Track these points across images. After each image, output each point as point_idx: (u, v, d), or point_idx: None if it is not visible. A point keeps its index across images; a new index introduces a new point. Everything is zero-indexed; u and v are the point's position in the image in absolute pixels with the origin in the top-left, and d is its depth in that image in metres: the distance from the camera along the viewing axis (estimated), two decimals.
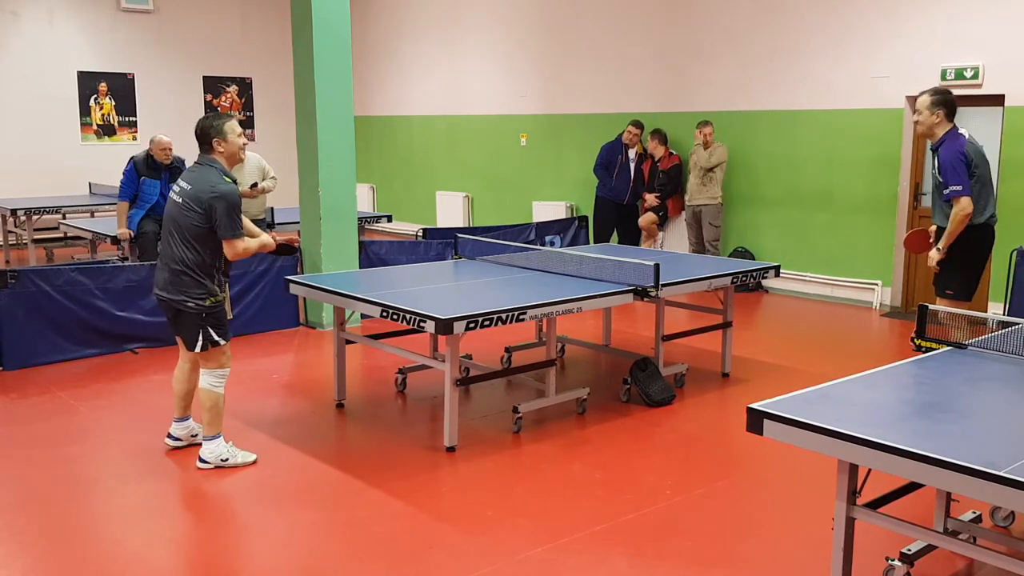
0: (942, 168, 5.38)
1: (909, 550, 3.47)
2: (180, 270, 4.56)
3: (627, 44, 10.89)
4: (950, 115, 5.45)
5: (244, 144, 4.76)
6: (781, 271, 6.69)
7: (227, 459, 4.71)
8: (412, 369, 6.14)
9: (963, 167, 5.28)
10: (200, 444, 4.93)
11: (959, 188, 5.26)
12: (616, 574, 3.66)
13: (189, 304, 4.57)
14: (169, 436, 5.01)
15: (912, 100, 8.52)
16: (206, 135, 4.61)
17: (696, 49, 10.16)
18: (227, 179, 4.57)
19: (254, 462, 4.78)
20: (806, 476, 4.69)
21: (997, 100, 7.95)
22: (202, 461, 4.71)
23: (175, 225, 4.57)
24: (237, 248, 4.53)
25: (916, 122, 5.57)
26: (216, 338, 4.65)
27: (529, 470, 4.76)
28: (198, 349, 4.65)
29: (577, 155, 11.59)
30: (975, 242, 5.43)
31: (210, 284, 4.60)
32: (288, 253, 5.30)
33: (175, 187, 4.67)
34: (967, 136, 5.47)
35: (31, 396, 5.99)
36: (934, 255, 5.52)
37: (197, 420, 5.04)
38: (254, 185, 8.21)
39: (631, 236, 10.38)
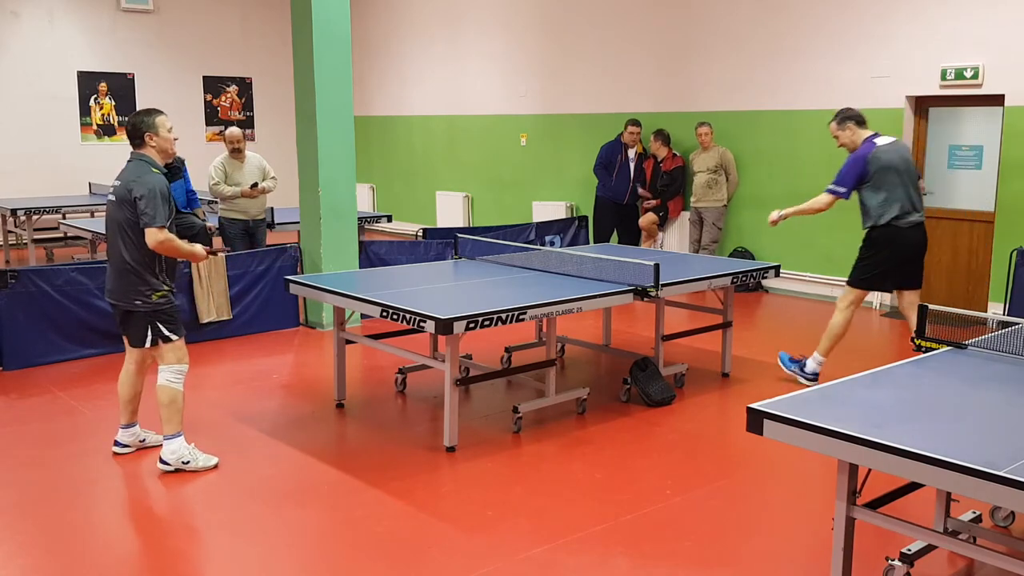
0: (842, 166, 5.89)
1: (909, 550, 3.46)
2: (124, 269, 4.55)
3: (627, 44, 10.89)
4: (860, 124, 5.98)
5: (175, 139, 4.77)
6: (781, 271, 6.69)
7: (188, 462, 4.65)
8: (412, 369, 6.14)
9: (855, 173, 5.78)
10: (151, 447, 4.92)
11: (841, 190, 5.82)
12: (616, 574, 3.66)
13: (137, 303, 4.56)
14: (116, 443, 4.94)
15: (912, 100, 8.56)
16: (137, 130, 4.63)
17: (696, 49, 10.16)
18: (155, 171, 4.59)
19: (215, 466, 4.72)
20: (806, 476, 4.70)
21: (997, 100, 7.95)
22: (162, 463, 4.64)
23: (114, 224, 4.59)
24: (158, 237, 4.44)
25: (840, 145, 6.06)
26: (167, 334, 4.62)
27: (529, 470, 4.76)
28: (147, 345, 4.62)
29: (577, 155, 11.59)
30: (876, 240, 5.86)
31: (154, 280, 4.58)
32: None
33: (111, 187, 4.69)
34: (879, 144, 5.85)
35: (31, 396, 5.99)
36: (773, 214, 6.11)
37: (144, 426, 5.02)
38: (254, 185, 8.23)
39: (631, 236, 10.39)
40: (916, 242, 5.91)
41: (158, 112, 4.71)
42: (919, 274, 6.07)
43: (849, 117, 5.98)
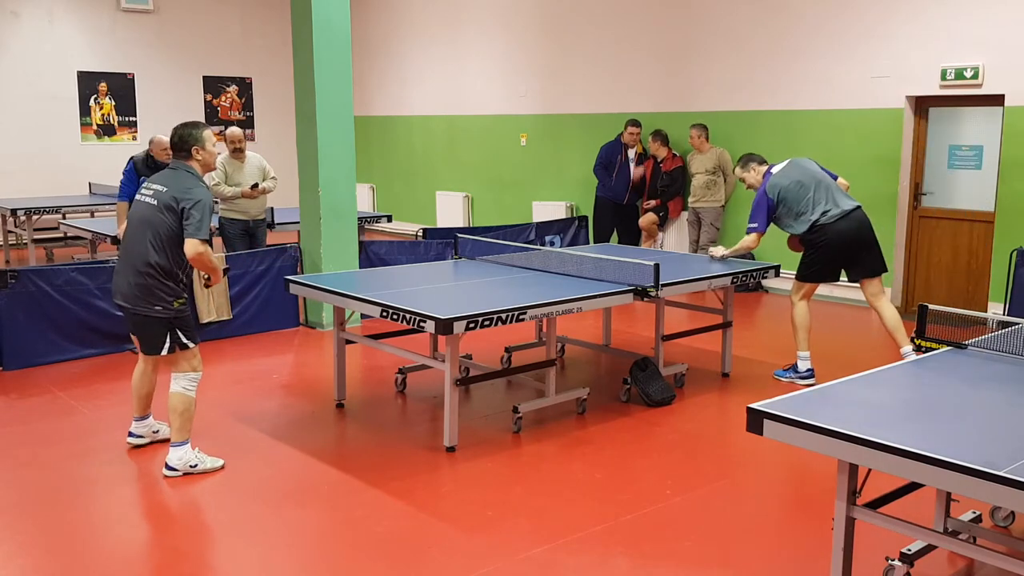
0: (752, 205, 6.32)
1: (909, 550, 3.47)
2: (146, 272, 4.51)
3: (627, 44, 10.89)
4: (761, 163, 6.39)
5: (218, 153, 4.77)
6: (781, 271, 6.70)
7: (195, 465, 4.65)
8: (412, 369, 6.14)
9: (764, 208, 6.18)
10: (164, 441, 4.92)
11: (754, 226, 6.24)
12: (616, 574, 3.66)
13: (158, 308, 4.53)
14: (130, 435, 4.99)
15: (912, 100, 8.56)
16: (185, 143, 4.62)
17: (696, 49, 10.16)
18: (203, 184, 4.62)
19: (222, 467, 4.73)
20: (806, 476, 4.70)
21: (997, 100, 7.95)
22: (169, 468, 4.63)
23: (147, 226, 4.53)
24: (198, 248, 4.44)
25: (749, 187, 6.42)
26: (185, 341, 4.62)
27: (529, 470, 4.76)
28: (164, 352, 4.61)
29: (577, 155, 11.59)
30: (811, 242, 6.19)
31: (175, 286, 4.58)
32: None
33: (146, 189, 4.64)
34: (774, 171, 6.23)
35: (31, 396, 5.99)
36: (717, 251, 6.70)
37: (156, 418, 5.05)
38: (255, 185, 8.22)
39: (631, 236, 10.39)
40: (847, 230, 6.05)
41: (204, 125, 4.72)
42: (873, 261, 6.18)
43: (750, 159, 6.41)
